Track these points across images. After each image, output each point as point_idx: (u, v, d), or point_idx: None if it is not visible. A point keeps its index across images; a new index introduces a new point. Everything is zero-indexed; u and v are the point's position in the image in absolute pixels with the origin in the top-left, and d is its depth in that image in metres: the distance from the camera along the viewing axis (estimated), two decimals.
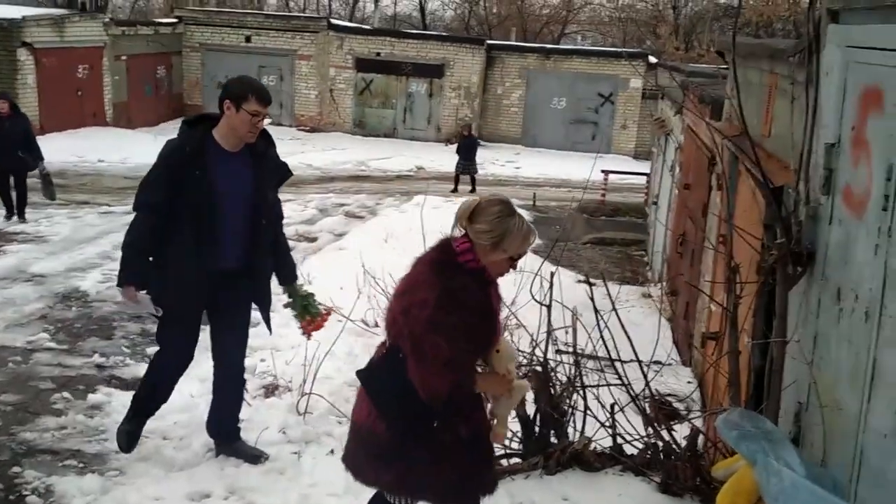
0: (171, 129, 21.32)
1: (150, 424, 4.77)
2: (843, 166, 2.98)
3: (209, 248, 3.96)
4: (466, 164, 17.88)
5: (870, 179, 2.69)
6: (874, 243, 2.60)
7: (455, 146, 18.75)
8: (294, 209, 13.36)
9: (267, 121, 4.04)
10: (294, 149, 20.41)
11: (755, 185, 3.81)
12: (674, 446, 3.93)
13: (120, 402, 5.06)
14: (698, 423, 4.06)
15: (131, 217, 4.05)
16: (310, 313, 4.33)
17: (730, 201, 4.77)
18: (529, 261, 7.23)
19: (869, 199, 2.69)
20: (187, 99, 26.28)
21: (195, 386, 5.00)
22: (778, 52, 4.36)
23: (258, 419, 4.75)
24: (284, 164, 4.27)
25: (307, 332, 4.41)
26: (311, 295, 4.37)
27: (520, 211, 2.88)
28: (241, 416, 4.49)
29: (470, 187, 17.63)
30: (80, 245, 10.19)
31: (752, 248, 3.63)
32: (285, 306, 4.43)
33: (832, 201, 3.06)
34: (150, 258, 4.03)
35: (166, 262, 4.00)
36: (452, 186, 17.82)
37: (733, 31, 4.56)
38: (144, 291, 4.07)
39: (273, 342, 5.65)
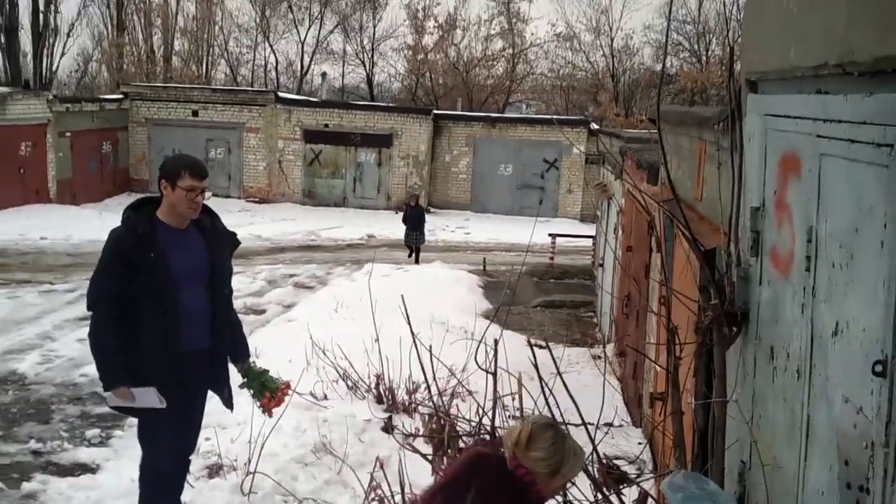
0: (116, 205, 20.87)
1: None
2: (769, 229, 3.09)
3: (174, 330, 3.81)
4: (413, 234, 17.59)
5: (793, 241, 2.79)
6: (801, 303, 2.69)
7: (402, 215, 18.37)
8: (242, 281, 13.20)
9: (208, 194, 4.01)
10: (243, 220, 20.32)
11: (689, 248, 3.91)
12: None
13: (56, 489, 4.86)
14: (647, 485, 4.06)
15: (73, 295, 3.96)
16: (269, 389, 4.20)
17: (667, 263, 4.88)
18: (479, 326, 7.21)
19: (793, 260, 2.79)
20: (133, 173, 26.09)
21: (135, 470, 4.82)
22: (704, 120, 4.53)
23: (201, 502, 4.60)
24: (233, 234, 4.23)
25: (268, 410, 4.27)
26: (267, 371, 4.28)
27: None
28: (184, 498, 4.34)
29: (414, 256, 17.57)
30: (18, 325, 9.88)
31: (689, 309, 3.70)
32: (241, 387, 4.29)
33: (761, 262, 3.16)
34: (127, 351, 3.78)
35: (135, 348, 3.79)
36: (408, 253, 17.79)
37: (657, 101, 4.73)
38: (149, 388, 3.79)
39: (218, 419, 5.50)
